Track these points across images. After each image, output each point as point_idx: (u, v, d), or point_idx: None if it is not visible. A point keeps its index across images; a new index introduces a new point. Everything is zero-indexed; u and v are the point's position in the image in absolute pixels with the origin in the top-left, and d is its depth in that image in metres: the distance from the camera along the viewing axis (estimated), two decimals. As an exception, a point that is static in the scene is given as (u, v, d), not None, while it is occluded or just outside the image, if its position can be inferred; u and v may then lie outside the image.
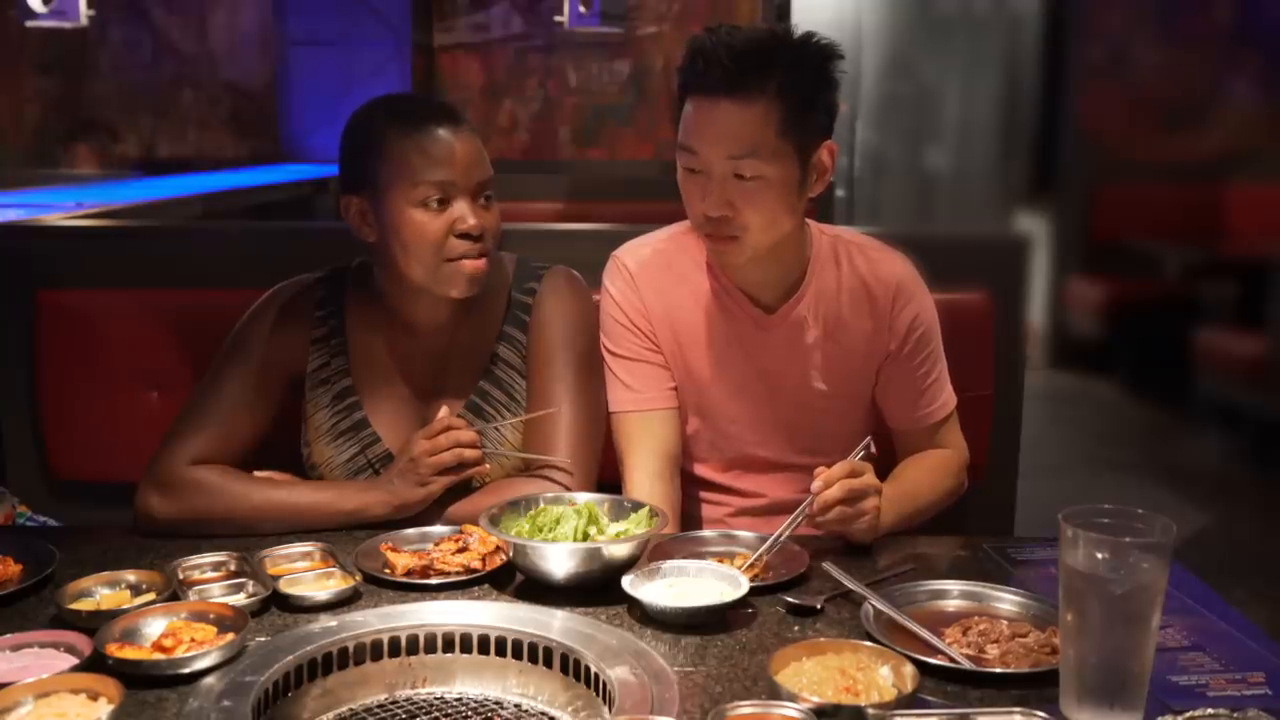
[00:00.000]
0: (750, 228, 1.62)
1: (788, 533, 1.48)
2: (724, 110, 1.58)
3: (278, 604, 1.34)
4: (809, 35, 1.64)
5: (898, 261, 1.79)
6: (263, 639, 1.25)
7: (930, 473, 1.78)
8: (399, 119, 1.62)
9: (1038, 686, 1.16)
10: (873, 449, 1.57)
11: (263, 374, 1.69)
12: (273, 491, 1.62)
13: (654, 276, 1.78)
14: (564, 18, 5.90)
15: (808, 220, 1.77)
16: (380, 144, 1.61)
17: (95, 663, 1.16)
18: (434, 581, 1.39)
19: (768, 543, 1.48)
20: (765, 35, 1.62)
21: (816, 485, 1.49)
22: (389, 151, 1.61)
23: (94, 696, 1.08)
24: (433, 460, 1.58)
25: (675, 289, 1.78)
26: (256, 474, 1.66)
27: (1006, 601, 1.35)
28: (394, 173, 1.60)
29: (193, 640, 1.19)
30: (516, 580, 1.42)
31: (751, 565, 1.43)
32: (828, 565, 1.44)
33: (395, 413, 1.71)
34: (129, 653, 1.17)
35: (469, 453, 1.60)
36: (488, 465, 1.65)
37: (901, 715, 1.06)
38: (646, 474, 1.71)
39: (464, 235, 1.60)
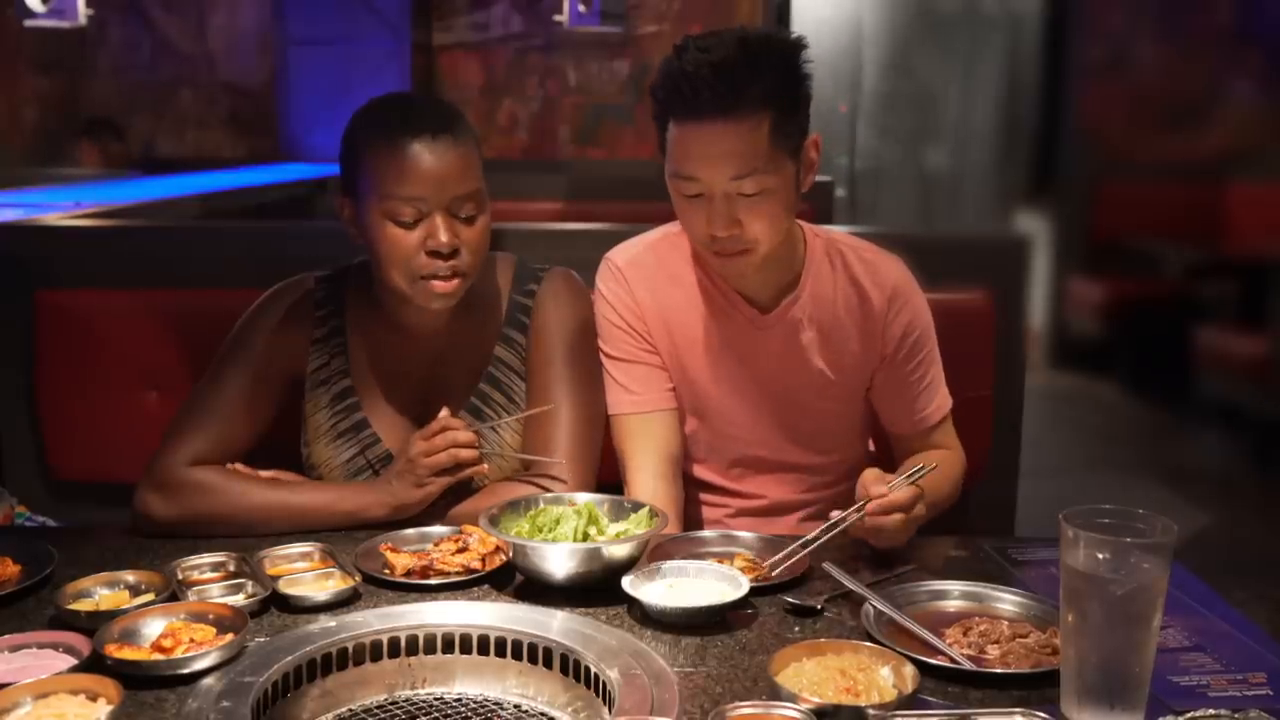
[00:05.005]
0: (758, 239, 1.61)
1: (840, 527, 1.47)
2: (719, 131, 1.55)
3: (277, 604, 1.33)
4: (775, 34, 1.62)
5: (893, 265, 1.79)
6: (262, 639, 1.25)
7: (934, 473, 1.76)
8: (379, 128, 1.59)
9: (1038, 687, 1.16)
10: (932, 465, 1.56)
11: (262, 374, 1.69)
12: (271, 492, 1.62)
13: (647, 276, 1.78)
14: (564, 17, 5.90)
15: (800, 222, 1.76)
16: (361, 152, 1.59)
17: (94, 663, 1.16)
18: (434, 582, 1.39)
19: (821, 530, 1.46)
20: (738, 44, 1.56)
21: (880, 489, 1.46)
22: (367, 161, 1.58)
23: (93, 697, 1.08)
24: (429, 461, 1.58)
25: (669, 288, 1.77)
26: (263, 474, 1.66)
27: (1007, 602, 1.35)
28: (370, 184, 1.58)
29: (192, 641, 1.19)
30: (516, 580, 1.41)
31: (787, 557, 1.43)
32: (828, 565, 1.43)
33: (395, 413, 1.71)
34: (128, 653, 1.17)
35: (465, 453, 1.59)
36: (486, 466, 1.64)
37: (902, 716, 1.06)
38: (649, 474, 1.70)
39: (434, 253, 1.57)
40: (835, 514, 1.50)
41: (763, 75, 1.55)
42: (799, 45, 1.61)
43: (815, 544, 1.46)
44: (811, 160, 1.66)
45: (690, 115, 1.57)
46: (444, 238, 1.56)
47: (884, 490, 1.46)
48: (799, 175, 1.64)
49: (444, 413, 1.64)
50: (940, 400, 1.81)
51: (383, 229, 1.58)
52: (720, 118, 1.54)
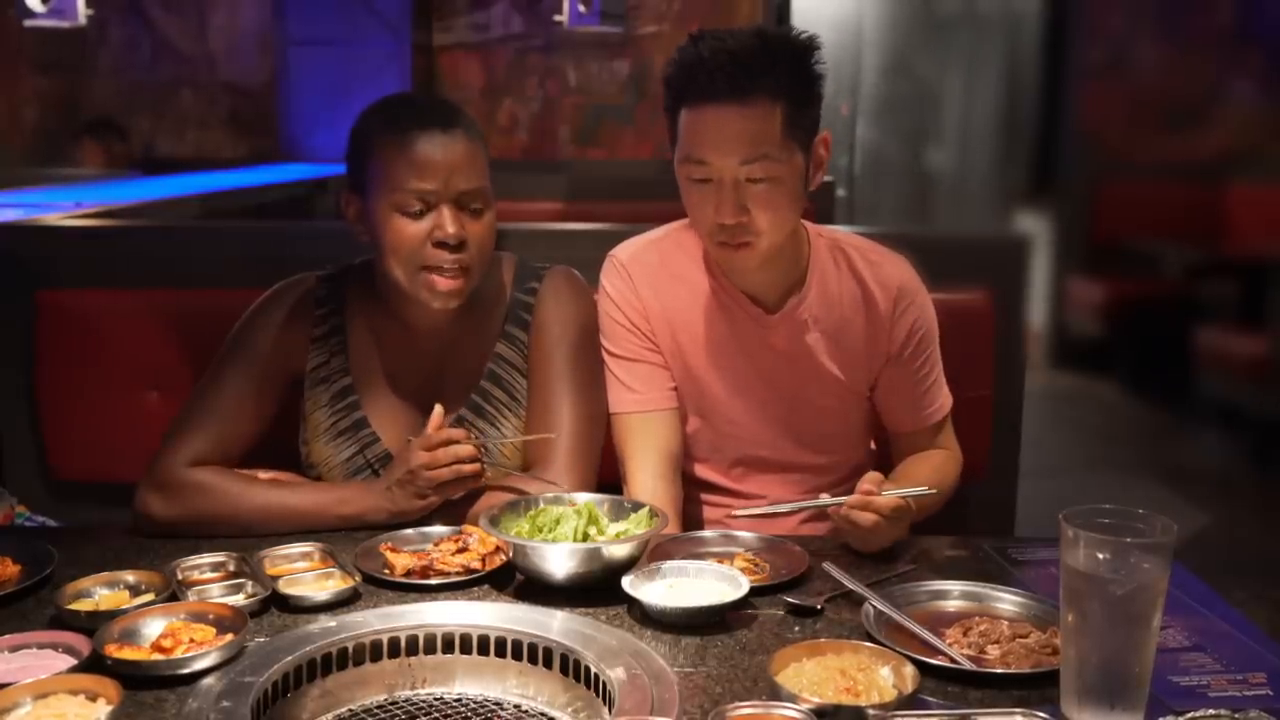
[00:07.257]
0: (764, 230, 1.62)
1: (816, 505, 1.61)
2: (731, 116, 1.57)
3: (277, 604, 1.33)
4: (791, 30, 1.65)
5: (899, 265, 1.79)
6: (262, 639, 1.25)
7: (936, 471, 1.77)
8: (388, 122, 1.61)
9: (1038, 687, 1.16)
10: (932, 490, 1.58)
11: (264, 373, 1.69)
12: (272, 493, 1.62)
13: (651, 274, 1.78)
14: (564, 17, 5.90)
15: (803, 222, 1.77)
16: (370, 146, 1.61)
17: (94, 663, 1.16)
18: (434, 582, 1.39)
19: (798, 505, 1.63)
20: (755, 35, 1.60)
21: (869, 487, 1.49)
22: (377, 155, 1.60)
23: (93, 697, 1.08)
24: (431, 475, 1.57)
25: (673, 287, 1.77)
26: (261, 475, 1.66)
27: (1007, 602, 1.35)
28: (379, 177, 1.59)
29: (192, 641, 1.19)
30: (516, 580, 1.41)
31: (758, 517, 1.57)
32: (828, 565, 1.43)
33: (394, 412, 1.71)
34: (128, 653, 1.17)
35: (467, 468, 1.58)
36: (489, 471, 1.64)
37: (902, 716, 1.06)
38: (649, 474, 1.70)
39: (440, 244, 1.58)
40: (825, 496, 1.63)
41: (777, 65, 1.58)
42: (813, 44, 1.63)
43: (788, 513, 1.59)
44: (821, 158, 1.67)
45: (704, 99, 1.58)
46: (451, 229, 1.57)
47: (874, 489, 1.48)
48: (808, 171, 1.65)
49: (437, 411, 1.63)
50: (942, 400, 1.82)
51: (390, 221, 1.58)
52: (734, 102, 1.56)
